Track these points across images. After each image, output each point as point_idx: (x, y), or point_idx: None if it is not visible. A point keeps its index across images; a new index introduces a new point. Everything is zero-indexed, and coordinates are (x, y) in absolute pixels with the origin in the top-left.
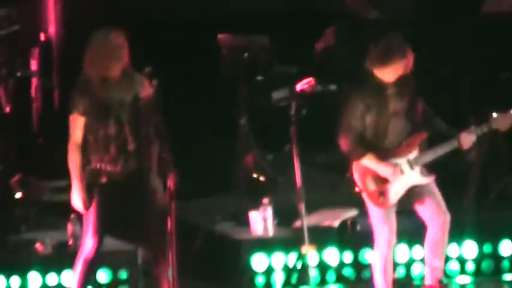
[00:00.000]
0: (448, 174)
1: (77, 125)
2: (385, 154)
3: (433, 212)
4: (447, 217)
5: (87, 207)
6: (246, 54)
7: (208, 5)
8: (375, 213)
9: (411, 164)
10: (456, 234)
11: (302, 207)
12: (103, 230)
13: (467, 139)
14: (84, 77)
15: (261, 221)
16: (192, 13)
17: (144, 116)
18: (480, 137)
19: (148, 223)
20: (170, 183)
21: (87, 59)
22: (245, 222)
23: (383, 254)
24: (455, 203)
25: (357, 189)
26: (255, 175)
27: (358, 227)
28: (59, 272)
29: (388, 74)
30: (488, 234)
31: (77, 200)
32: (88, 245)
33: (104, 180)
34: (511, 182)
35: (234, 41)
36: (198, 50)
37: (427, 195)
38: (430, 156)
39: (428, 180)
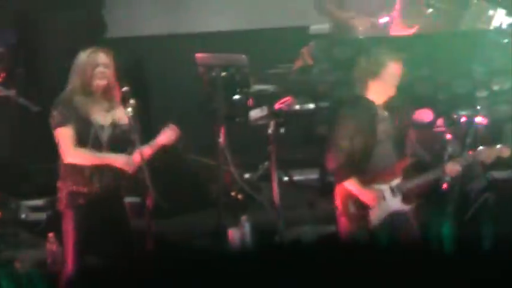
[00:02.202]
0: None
1: (68, 136)
2: (368, 178)
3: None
4: None
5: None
6: (223, 73)
7: (187, 24)
8: (345, 234)
9: (394, 191)
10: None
11: (281, 224)
12: (84, 251)
13: (453, 169)
14: (68, 93)
15: (240, 237)
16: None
17: (122, 139)
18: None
19: (127, 242)
20: (148, 202)
21: (72, 77)
22: (224, 240)
23: None
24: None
25: (337, 212)
26: (233, 193)
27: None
28: None
29: (378, 90)
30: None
31: (121, 161)
32: (69, 266)
33: (81, 201)
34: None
35: (211, 60)
36: (176, 69)
37: (407, 228)
38: (413, 183)
39: (410, 208)
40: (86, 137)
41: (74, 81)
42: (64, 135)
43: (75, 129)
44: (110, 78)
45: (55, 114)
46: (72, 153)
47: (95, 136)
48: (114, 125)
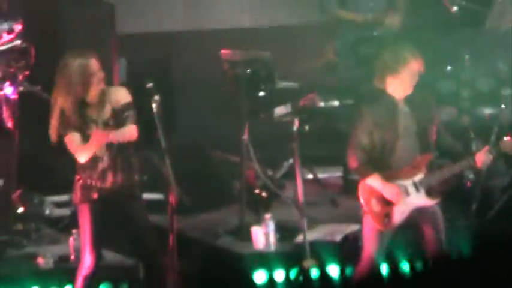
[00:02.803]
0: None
1: (75, 141)
2: (391, 174)
3: (434, 246)
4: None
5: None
6: (248, 70)
7: (212, 20)
8: (370, 231)
9: (417, 186)
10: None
11: (304, 222)
12: (100, 245)
13: (484, 158)
14: (58, 102)
15: (263, 235)
16: (193, 28)
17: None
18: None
19: (143, 238)
20: (171, 198)
21: (60, 85)
22: (247, 237)
23: (361, 270)
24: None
25: (361, 210)
26: (256, 190)
27: (360, 242)
28: (60, 287)
29: (397, 86)
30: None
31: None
32: (86, 261)
33: (94, 195)
34: None
35: (236, 56)
36: (200, 65)
37: (431, 222)
38: (437, 177)
39: (433, 202)
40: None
41: (63, 90)
42: (70, 143)
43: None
44: (99, 83)
45: (58, 126)
46: (80, 153)
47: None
48: (116, 118)
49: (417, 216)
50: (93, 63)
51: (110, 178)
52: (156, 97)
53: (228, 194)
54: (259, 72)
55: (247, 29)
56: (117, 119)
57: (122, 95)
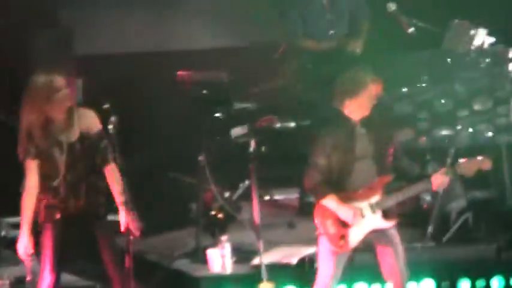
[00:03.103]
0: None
1: (32, 169)
2: (347, 196)
3: (391, 270)
4: (404, 276)
5: (28, 254)
6: (205, 91)
7: (169, 41)
8: (326, 254)
9: (373, 208)
10: (414, 272)
11: (260, 244)
12: (60, 265)
13: (440, 181)
14: (25, 122)
15: (219, 258)
16: (151, 49)
17: (93, 152)
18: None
19: (104, 259)
20: (128, 220)
21: (26, 103)
22: (203, 260)
23: None
24: (414, 240)
25: (317, 232)
26: (213, 212)
27: (316, 265)
28: None
29: (355, 108)
30: (446, 273)
31: (21, 245)
32: (46, 281)
33: (57, 216)
34: (469, 220)
35: (193, 77)
36: (157, 86)
37: (388, 245)
38: (393, 200)
39: (389, 225)
40: (56, 159)
41: (30, 109)
42: (27, 169)
43: (44, 155)
44: (66, 100)
45: (20, 147)
46: (25, 190)
47: (66, 155)
48: (83, 141)
49: (373, 238)
50: (58, 80)
51: (73, 198)
52: (113, 118)
53: (184, 215)
54: (216, 93)
55: (205, 51)
56: (85, 145)
57: (92, 121)
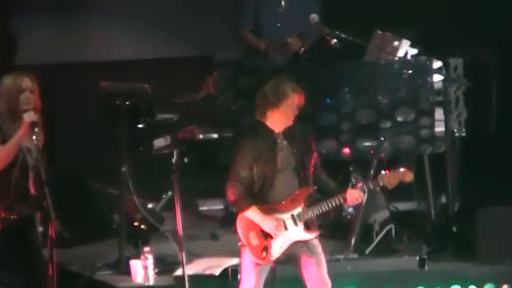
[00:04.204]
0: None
1: None
2: (269, 207)
3: (315, 280)
4: (327, 286)
5: None
6: (127, 102)
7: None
8: (248, 266)
9: (295, 220)
10: (337, 283)
11: (183, 255)
12: None
13: (354, 196)
14: None
15: (142, 269)
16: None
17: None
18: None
19: (32, 270)
20: (51, 230)
21: None
22: (126, 270)
23: None
24: (336, 252)
25: (239, 244)
26: (136, 223)
27: (239, 276)
28: None
29: (277, 119)
30: (369, 284)
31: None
32: None
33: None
34: (392, 231)
35: (115, 88)
36: (80, 96)
37: (310, 256)
38: (314, 212)
39: (311, 236)
40: (14, 160)
41: (0, 107)
42: None
43: None
44: (35, 103)
45: None
46: None
47: (23, 159)
48: (38, 149)
49: (296, 250)
50: (26, 81)
51: (18, 208)
52: (36, 129)
53: (107, 226)
54: (138, 104)
55: (127, 61)
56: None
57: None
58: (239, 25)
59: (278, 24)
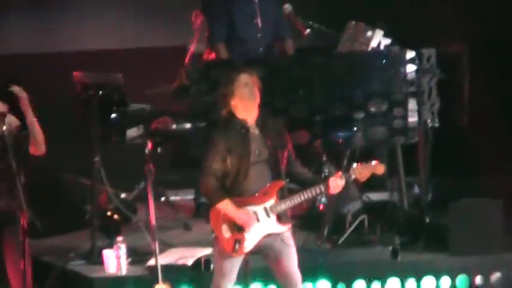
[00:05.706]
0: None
1: None
2: (242, 200)
3: (285, 272)
4: (297, 278)
5: None
6: (100, 92)
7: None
8: (221, 257)
9: (268, 212)
10: (310, 273)
11: (156, 245)
12: None
13: (336, 184)
14: None
15: (115, 259)
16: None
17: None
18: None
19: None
20: (23, 221)
21: None
22: (98, 260)
23: None
24: (309, 242)
25: (212, 235)
26: (108, 213)
27: (212, 266)
28: None
29: (240, 108)
30: (341, 274)
31: None
32: None
33: None
34: (365, 222)
35: (88, 78)
36: (52, 87)
37: (281, 248)
38: (287, 204)
39: (284, 229)
40: None
41: None
42: None
43: None
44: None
45: None
46: None
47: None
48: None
49: (268, 242)
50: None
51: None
52: (8, 118)
53: (80, 217)
54: (111, 94)
55: (99, 51)
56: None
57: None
58: (213, 41)
59: (258, 35)
